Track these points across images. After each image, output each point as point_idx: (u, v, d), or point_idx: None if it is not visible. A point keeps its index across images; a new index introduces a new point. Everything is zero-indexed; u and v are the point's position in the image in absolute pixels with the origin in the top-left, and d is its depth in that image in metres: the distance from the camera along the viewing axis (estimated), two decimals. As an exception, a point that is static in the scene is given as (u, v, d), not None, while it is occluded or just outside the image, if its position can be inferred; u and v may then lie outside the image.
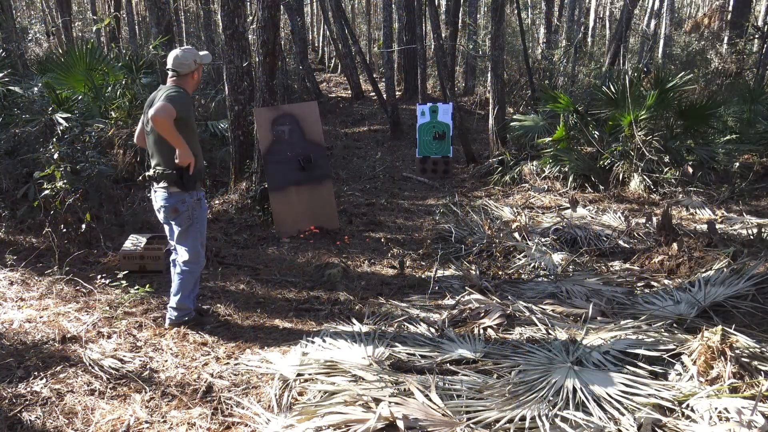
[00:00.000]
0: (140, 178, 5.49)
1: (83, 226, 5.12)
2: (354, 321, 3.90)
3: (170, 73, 3.50)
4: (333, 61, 22.65)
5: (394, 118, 12.20)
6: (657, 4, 17.66)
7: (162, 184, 3.48)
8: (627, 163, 7.67)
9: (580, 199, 7.19)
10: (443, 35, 12.34)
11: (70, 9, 14.68)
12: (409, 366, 3.21)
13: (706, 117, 7.74)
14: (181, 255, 3.65)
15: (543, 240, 5.47)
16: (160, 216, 3.62)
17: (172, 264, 3.81)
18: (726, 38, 14.37)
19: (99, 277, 4.46)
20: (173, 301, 3.70)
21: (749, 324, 3.52)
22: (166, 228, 3.75)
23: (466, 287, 4.44)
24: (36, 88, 6.80)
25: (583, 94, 10.50)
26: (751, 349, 3.05)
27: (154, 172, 3.51)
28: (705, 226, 5.66)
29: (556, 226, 5.83)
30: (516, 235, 5.54)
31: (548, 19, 15.43)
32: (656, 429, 2.57)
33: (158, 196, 3.53)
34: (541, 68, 13.22)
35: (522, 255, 5.12)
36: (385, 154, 10.95)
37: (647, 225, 5.86)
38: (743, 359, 2.89)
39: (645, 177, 7.43)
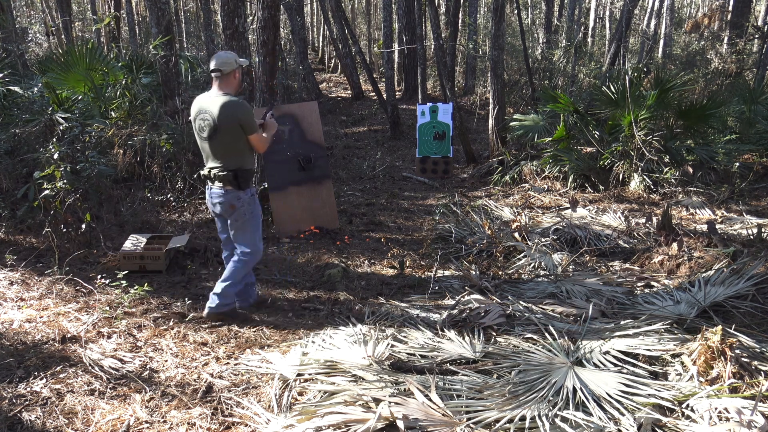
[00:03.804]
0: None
1: (83, 226, 5.12)
2: (354, 321, 3.90)
3: (214, 75, 3.68)
4: (333, 61, 22.66)
5: (394, 118, 12.20)
6: (657, 4, 17.66)
7: (218, 184, 3.73)
8: (627, 163, 7.67)
9: (580, 199, 7.19)
10: (443, 35, 12.34)
11: (70, 9, 14.67)
12: (409, 366, 3.21)
13: (706, 117, 7.73)
14: (239, 246, 3.89)
15: (543, 240, 5.47)
16: (217, 210, 3.85)
17: (226, 262, 4.04)
18: (726, 38, 14.36)
19: (99, 277, 4.46)
20: (219, 286, 3.86)
21: (749, 324, 3.52)
22: (219, 226, 4.02)
23: (466, 287, 4.44)
24: (36, 88, 6.79)
25: (583, 94, 10.50)
26: (751, 349, 3.05)
27: (209, 171, 3.75)
28: (705, 226, 5.65)
29: (556, 226, 5.83)
30: (516, 235, 5.54)
31: (548, 19, 15.45)
32: (656, 429, 2.57)
33: (215, 193, 3.78)
34: (541, 68, 13.22)
35: (522, 255, 5.12)
36: (385, 154, 10.95)
37: (647, 225, 5.86)
38: (743, 359, 2.89)
39: (645, 177, 7.43)
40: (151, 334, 3.69)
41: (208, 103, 3.66)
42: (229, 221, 3.84)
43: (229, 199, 3.73)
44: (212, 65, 3.66)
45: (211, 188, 3.80)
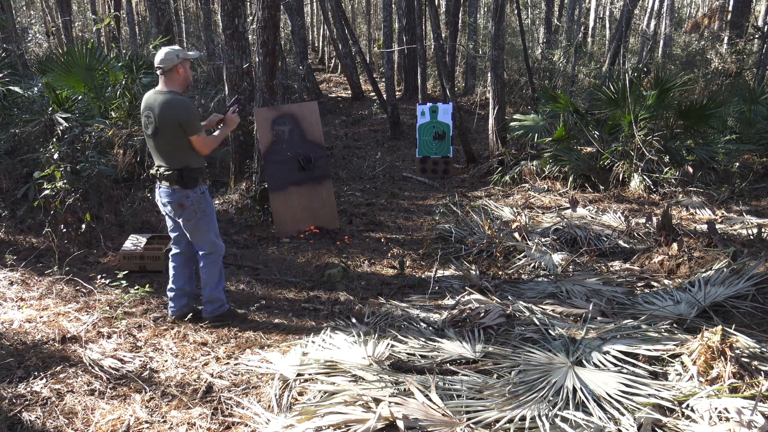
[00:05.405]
0: (143, 176, 5.44)
1: (83, 226, 5.12)
2: (354, 321, 3.90)
3: (158, 72, 3.60)
4: (333, 61, 22.67)
5: (394, 118, 12.20)
6: (657, 4, 17.67)
7: (165, 183, 3.63)
8: (627, 163, 7.66)
9: (580, 199, 7.19)
10: (443, 35, 12.34)
11: (70, 9, 14.68)
12: (409, 366, 3.21)
13: (706, 117, 7.72)
14: (199, 248, 3.80)
15: (543, 240, 5.47)
16: (166, 210, 3.73)
17: (171, 260, 3.90)
18: (726, 38, 14.37)
19: (99, 277, 4.46)
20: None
21: (749, 324, 3.52)
22: (169, 224, 3.86)
23: (466, 287, 4.44)
24: (36, 88, 6.79)
25: (583, 94, 10.50)
26: (751, 349, 3.05)
27: (156, 170, 3.65)
28: (705, 226, 5.65)
29: (556, 226, 5.83)
30: (516, 235, 5.54)
31: (548, 19, 15.46)
32: (656, 429, 2.57)
33: (163, 192, 3.67)
34: (541, 68, 13.22)
35: (522, 255, 5.12)
36: (385, 154, 10.95)
37: (647, 225, 5.86)
38: (743, 359, 2.89)
39: (645, 177, 7.43)
40: (151, 334, 3.69)
41: (153, 99, 3.56)
42: (181, 222, 3.71)
43: (177, 198, 3.61)
44: (155, 61, 3.57)
45: (159, 187, 3.68)
